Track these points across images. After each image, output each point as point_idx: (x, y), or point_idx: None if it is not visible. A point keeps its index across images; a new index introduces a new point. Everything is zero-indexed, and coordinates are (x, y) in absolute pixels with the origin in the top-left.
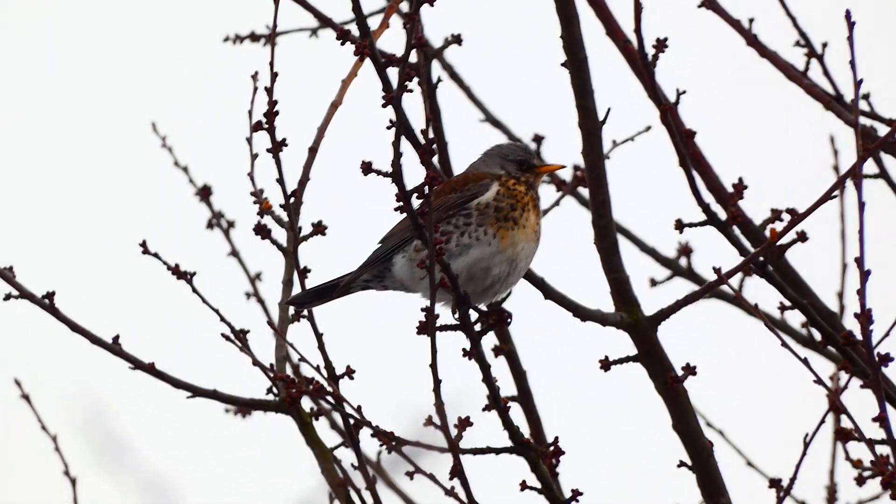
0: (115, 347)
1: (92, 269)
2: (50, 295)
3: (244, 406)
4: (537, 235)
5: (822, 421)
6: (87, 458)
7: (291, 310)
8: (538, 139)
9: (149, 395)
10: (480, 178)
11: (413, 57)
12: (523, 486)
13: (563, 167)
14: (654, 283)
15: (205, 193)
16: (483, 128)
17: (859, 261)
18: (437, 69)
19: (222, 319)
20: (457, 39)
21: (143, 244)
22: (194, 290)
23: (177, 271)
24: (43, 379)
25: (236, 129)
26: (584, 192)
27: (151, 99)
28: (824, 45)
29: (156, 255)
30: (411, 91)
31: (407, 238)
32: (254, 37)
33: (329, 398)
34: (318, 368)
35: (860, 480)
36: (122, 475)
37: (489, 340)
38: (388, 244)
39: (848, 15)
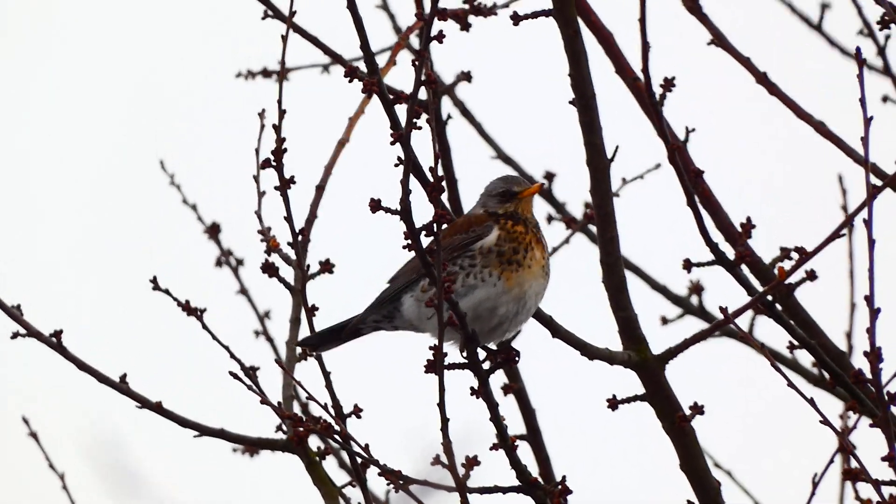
0: (122, 386)
1: (100, 306)
2: (57, 333)
3: (251, 445)
4: (545, 271)
5: (831, 461)
6: (101, 495)
7: (299, 350)
8: (549, 176)
9: (159, 431)
10: (483, 221)
11: (422, 94)
12: None
13: (542, 184)
14: (665, 321)
15: (214, 231)
16: (494, 165)
17: (869, 299)
18: (447, 106)
19: (232, 356)
20: (466, 76)
21: (154, 280)
22: (205, 327)
23: (187, 307)
24: (52, 416)
25: (244, 167)
26: (594, 229)
27: (160, 137)
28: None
29: (166, 292)
30: (420, 128)
31: (414, 279)
32: (266, 73)
33: (337, 437)
34: (325, 407)
35: None
36: None
37: (499, 379)
38: (396, 284)
39: (858, 52)
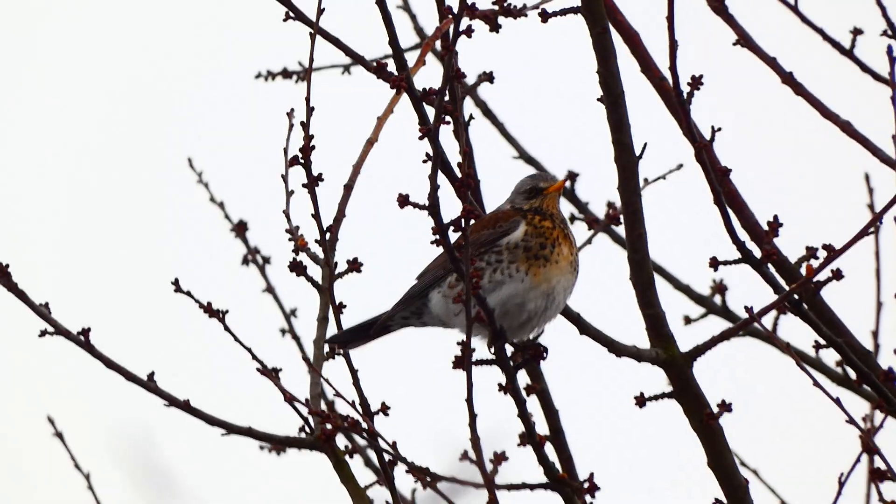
0: (150, 384)
1: (128, 304)
2: (85, 331)
3: (279, 444)
4: (573, 267)
5: (857, 461)
6: (127, 494)
7: (327, 347)
8: (572, 176)
9: (187, 430)
10: (510, 217)
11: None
12: None
13: (566, 180)
14: (688, 320)
15: (241, 229)
16: (517, 165)
17: None
18: (469, 106)
19: (254, 357)
20: (488, 77)
21: (176, 282)
22: (227, 329)
23: (209, 309)
24: (78, 416)
25: (272, 166)
26: (617, 229)
27: (188, 134)
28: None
29: (188, 294)
30: (448, 123)
31: (442, 274)
32: (286, 73)
33: (364, 434)
34: (353, 404)
35: None
36: None
37: (522, 378)
38: (424, 280)
39: (889, 51)
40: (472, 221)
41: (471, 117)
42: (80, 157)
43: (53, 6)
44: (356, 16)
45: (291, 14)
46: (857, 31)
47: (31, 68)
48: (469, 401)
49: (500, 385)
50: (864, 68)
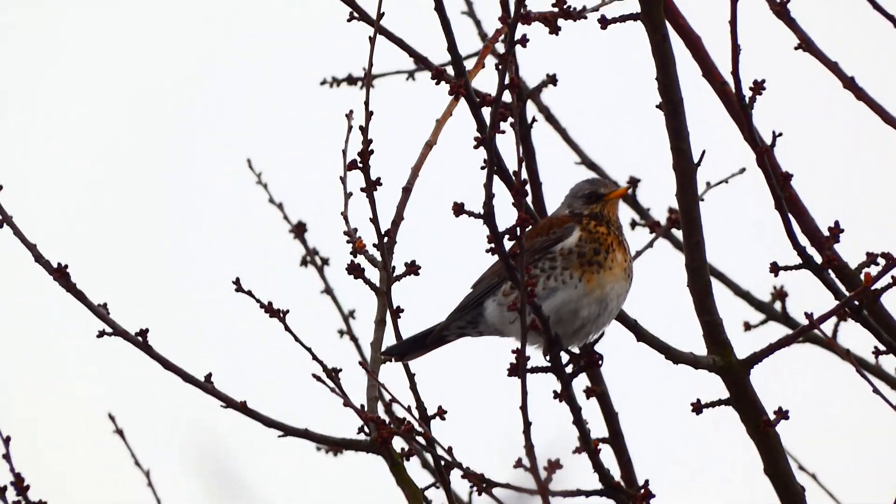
0: (207, 386)
1: (185, 306)
2: (143, 332)
3: (335, 446)
4: (627, 274)
5: None
6: (187, 491)
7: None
8: (633, 181)
9: (243, 432)
10: (564, 223)
11: (507, 97)
12: None
13: (628, 187)
14: (748, 326)
15: (299, 230)
16: (578, 170)
17: None
18: (532, 110)
19: (315, 358)
20: (552, 80)
21: (237, 281)
22: (287, 329)
23: (270, 309)
24: (139, 414)
25: (331, 168)
26: (678, 234)
27: (248, 137)
28: None
29: (249, 293)
30: (504, 132)
31: (496, 283)
32: (350, 80)
33: (420, 439)
34: (409, 409)
35: None
36: None
37: (580, 382)
38: (478, 289)
39: None
40: (528, 229)
41: (533, 120)
42: (141, 157)
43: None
44: (418, 20)
45: (356, 14)
46: None
47: (85, 68)
48: (524, 408)
49: (555, 392)
50: None
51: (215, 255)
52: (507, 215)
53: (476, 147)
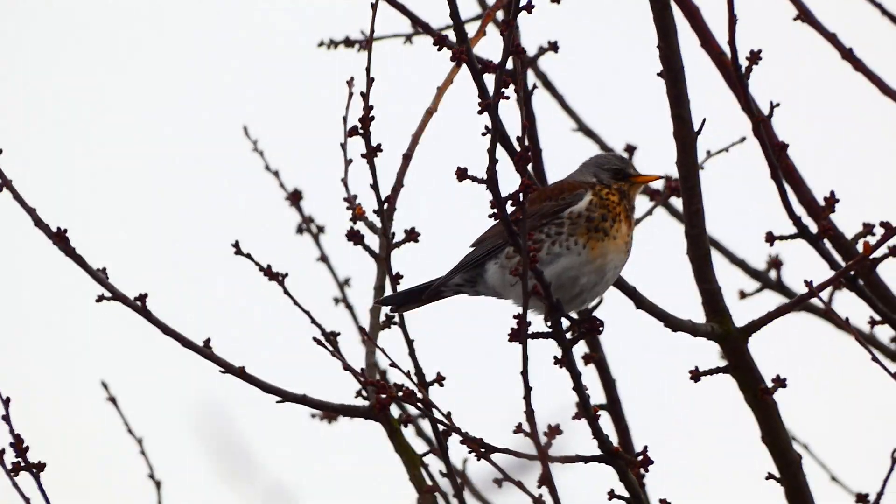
0: (206, 351)
1: (183, 271)
2: (142, 297)
3: (334, 412)
4: (627, 247)
5: None
6: (187, 460)
7: (383, 314)
8: (631, 149)
9: (241, 396)
10: (575, 188)
11: (510, 63)
12: (611, 494)
13: (660, 178)
14: (743, 295)
15: (295, 198)
16: (576, 137)
17: None
18: (531, 78)
19: (313, 321)
20: (553, 47)
21: (236, 244)
22: (286, 292)
23: (269, 272)
24: (135, 380)
25: (330, 135)
26: (676, 202)
27: (244, 102)
28: None
29: (248, 256)
30: (507, 97)
31: (499, 244)
32: (348, 42)
33: (419, 404)
34: (408, 374)
35: None
36: (241, 481)
37: (579, 348)
38: (481, 249)
39: None
40: (531, 195)
41: (534, 87)
42: (135, 123)
43: None
44: None
45: None
46: None
47: (81, 39)
48: (524, 374)
49: (555, 358)
50: None
51: (213, 223)
52: (508, 182)
53: (480, 113)
